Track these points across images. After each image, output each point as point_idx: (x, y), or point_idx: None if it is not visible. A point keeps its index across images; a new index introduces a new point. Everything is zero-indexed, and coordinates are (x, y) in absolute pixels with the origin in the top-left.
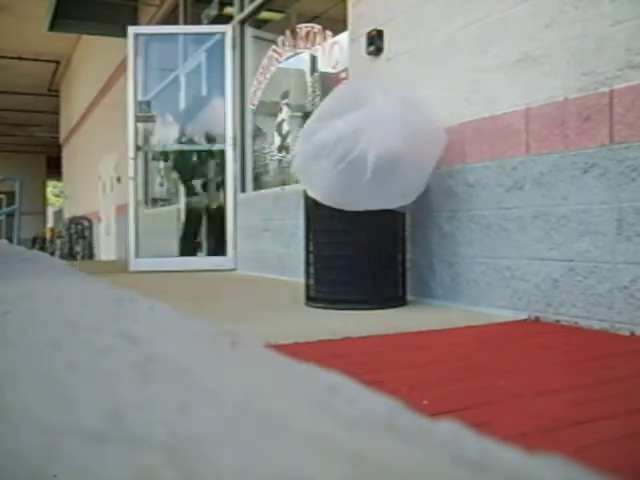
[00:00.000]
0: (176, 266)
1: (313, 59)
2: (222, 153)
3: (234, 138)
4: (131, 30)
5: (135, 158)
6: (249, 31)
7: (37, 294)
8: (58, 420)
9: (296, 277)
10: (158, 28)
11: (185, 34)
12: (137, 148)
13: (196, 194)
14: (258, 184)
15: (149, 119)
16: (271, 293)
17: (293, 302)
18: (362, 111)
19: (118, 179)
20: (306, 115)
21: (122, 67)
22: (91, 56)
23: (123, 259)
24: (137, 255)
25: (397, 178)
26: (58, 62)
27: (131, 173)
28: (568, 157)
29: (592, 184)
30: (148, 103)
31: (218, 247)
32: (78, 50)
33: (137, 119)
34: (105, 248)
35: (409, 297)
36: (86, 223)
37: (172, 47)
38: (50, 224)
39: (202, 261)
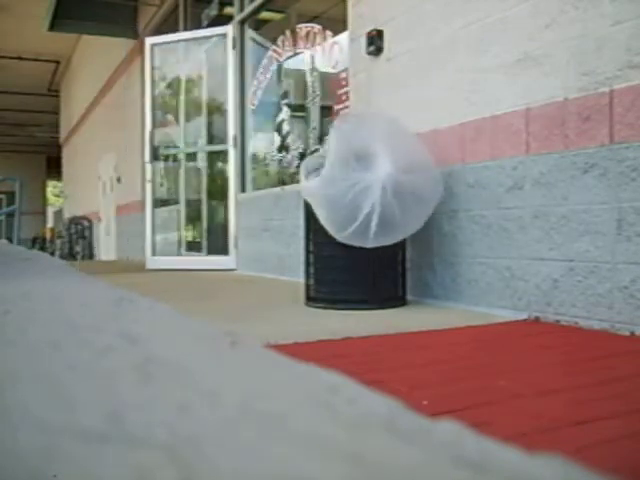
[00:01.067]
0: (185, 265)
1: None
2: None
3: (234, 138)
4: (148, 41)
5: (152, 162)
6: (249, 31)
7: (37, 294)
8: (58, 420)
9: (296, 277)
10: (172, 36)
11: (195, 39)
12: (154, 153)
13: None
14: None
15: (164, 124)
16: (271, 293)
17: (293, 302)
18: (369, 174)
19: (118, 179)
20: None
21: (122, 67)
22: (91, 56)
23: (123, 259)
24: (154, 254)
25: (397, 233)
26: (58, 62)
27: (148, 176)
28: (568, 157)
29: (592, 184)
30: (170, 110)
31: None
32: (78, 50)
33: (154, 125)
34: (105, 248)
35: (409, 297)
36: (86, 223)
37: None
38: (50, 224)
39: (208, 260)
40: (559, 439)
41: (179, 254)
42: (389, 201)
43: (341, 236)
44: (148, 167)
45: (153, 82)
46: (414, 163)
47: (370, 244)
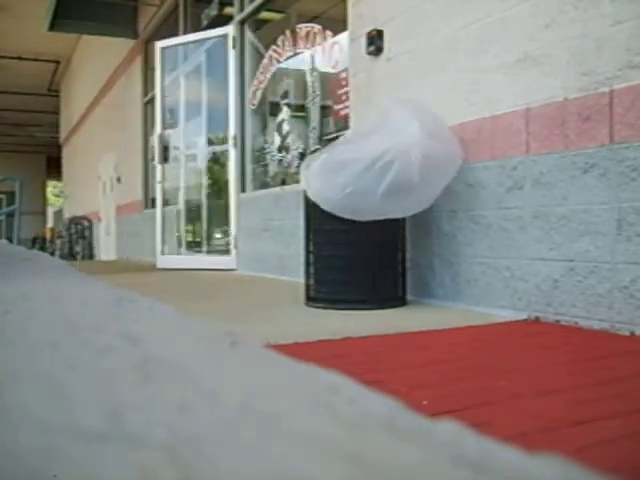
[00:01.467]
0: (190, 264)
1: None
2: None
3: (234, 138)
4: (159, 45)
5: (162, 163)
6: (249, 31)
7: (37, 294)
8: (58, 420)
9: (296, 277)
10: (181, 39)
11: (203, 39)
12: (164, 155)
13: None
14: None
15: (172, 126)
16: (271, 293)
17: (293, 302)
18: (391, 139)
19: (118, 179)
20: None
21: (122, 67)
22: (91, 56)
23: (123, 259)
24: (163, 253)
25: (409, 199)
26: (58, 62)
27: (159, 177)
28: (568, 157)
29: (592, 184)
30: (172, 111)
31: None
32: (78, 50)
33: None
34: (105, 248)
35: (409, 297)
36: (86, 223)
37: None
38: (50, 224)
39: (210, 260)
40: (559, 439)
41: (179, 253)
42: (410, 164)
43: (340, 197)
44: (159, 168)
45: (163, 85)
46: (438, 131)
47: (374, 210)
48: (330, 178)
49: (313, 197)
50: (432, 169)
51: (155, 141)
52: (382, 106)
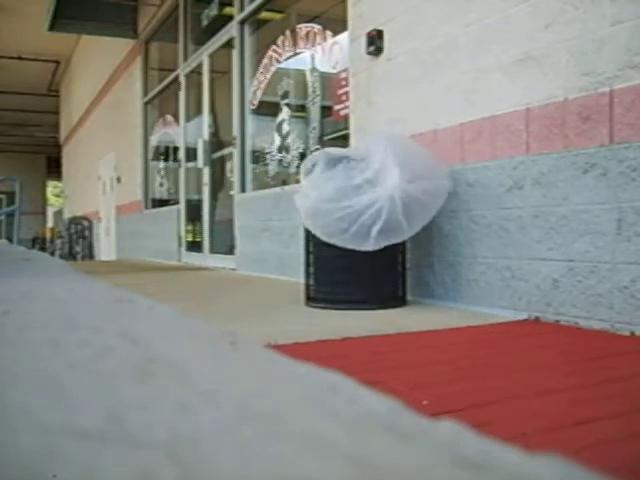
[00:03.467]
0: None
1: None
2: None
3: (234, 138)
4: (206, 53)
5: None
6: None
7: (37, 294)
8: (58, 420)
9: (296, 277)
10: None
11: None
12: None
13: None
14: None
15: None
16: (271, 293)
17: (293, 302)
18: (376, 187)
19: (118, 179)
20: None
21: (122, 67)
22: (91, 56)
23: (123, 259)
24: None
25: (397, 236)
26: (58, 62)
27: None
28: (568, 157)
29: (592, 184)
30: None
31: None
32: (78, 50)
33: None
34: (105, 248)
35: (409, 297)
36: (86, 223)
37: None
38: (50, 224)
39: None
40: (559, 439)
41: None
42: (396, 211)
43: (336, 240)
44: (206, 170)
45: (212, 88)
46: (421, 171)
47: (371, 247)
48: (324, 224)
49: (319, 235)
50: (418, 208)
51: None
52: (367, 144)
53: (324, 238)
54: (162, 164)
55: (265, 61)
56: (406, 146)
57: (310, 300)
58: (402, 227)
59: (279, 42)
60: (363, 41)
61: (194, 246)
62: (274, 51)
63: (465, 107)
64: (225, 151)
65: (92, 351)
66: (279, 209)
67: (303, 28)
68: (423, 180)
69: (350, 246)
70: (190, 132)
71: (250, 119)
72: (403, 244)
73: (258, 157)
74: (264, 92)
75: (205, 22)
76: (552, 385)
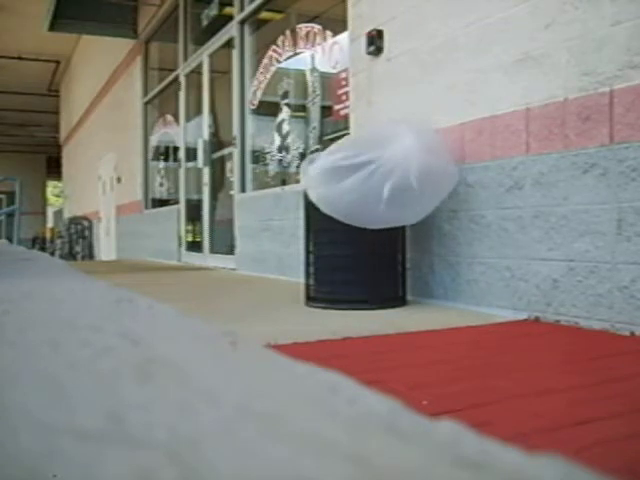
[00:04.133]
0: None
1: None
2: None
3: (234, 138)
4: (206, 53)
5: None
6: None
7: (37, 294)
8: (58, 420)
9: (296, 277)
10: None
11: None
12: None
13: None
14: None
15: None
16: (271, 293)
17: (293, 302)
18: (389, 148)
19: (118, 179)
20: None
21: (122, 67)
22: (91, 56)
23: (123, 259)
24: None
25: (408, 208)
26: (58, 62)
27: (206, 179)
28: (568, 157)
29: (592, 184)
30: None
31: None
32: (78, 50)
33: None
34: (105, 248)
35: (409, 297)
36: (86, 223)
37: None
38: (50, 224)
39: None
40: (559, 439)
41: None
42: (408, 173)
43: (343, 206)
44: (206, 170)
45: (212, 88)
46: (435, 147)
47: (378, 219)
48: (332, 185)
49: (317, 202)
50: (429, 179)
51: (200, 145)
52: (378, 125)
53: (324, 206)
54: (162, 164)
55: (265, 61)
56: (421, 125)
57: (310, 300)
58: (414, 200)
59: (279, 42)
60: (363, 41)
61: (194, 246)
62: (274, 51)
63: (465, 107)
64: (225, 151)
65: (92, 351)
66: (279, 209)
67: (303, 28)
68: (436, 156)
69: (355, 220)
70: (190, 132)
71: (250, 119)
72: (403, 244)
73: (258, 157)
74: (264, 92)
75: (205, 22)
76: (552, 385)
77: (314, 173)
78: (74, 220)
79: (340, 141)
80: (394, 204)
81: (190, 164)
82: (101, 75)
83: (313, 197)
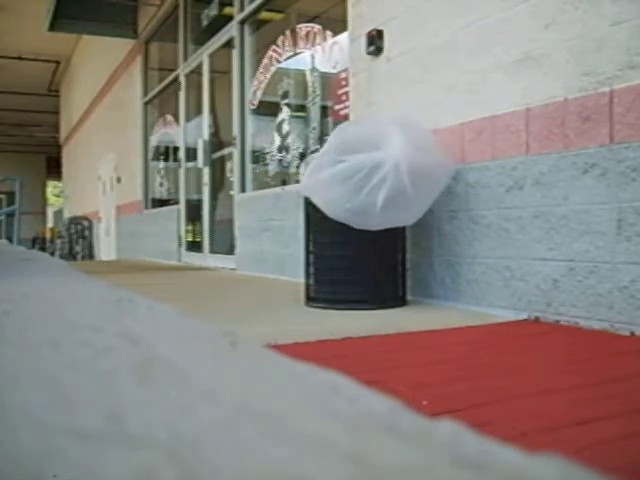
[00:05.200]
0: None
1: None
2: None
3: (234, 138)
4: (206, 54)
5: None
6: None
7: (37, 294)
8: (58, 420)
9: (296, 277)
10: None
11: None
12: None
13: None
14: None
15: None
16: (271, 293)
17: (293, 302)
18: (378, 152)
19: (118, 179)
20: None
21: (122, 67)
22: (91, 56)
23: (123, 259)
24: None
25: (404, 211)
26: (58, 62)
27: (206, 179)
28: (568, 157)
29: (592, 184)
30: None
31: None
32: (78, 50)
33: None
34: (105, 248)
35: (409, 297)
36: (86, 223)
37: None
38: (50, 224)
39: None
40: (559, 439)
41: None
42: (401, 176)
43: (344, 209)
44: (206, 170)
45: (212, 88)
46: (424, 144)
47: (375, 222)
48: (328, 193)
49: (319, 207)
50: (422, 180)
51: (199, 146)
52: (363, 124)
53: (325, 210)
54: (162, 164)
55: (265, 61)
56: (409, 123)
57: (310, 300)
58: (409, 200)
59: (279, 42)
60: (363, 41)
61: (194, 246)
62: (274, 51)
63: (465, 107)
64: (225, 151)
65: (92, 351)
66: (279, 209)
67: (303, 28)
68: (427, 152)
69: (354, 223)
70: (190, 132)
71: (250, 119)
72: (403, 244)
73: (258, 157)
74: (264, 92)
75: (205, 22)
76: (552, 385)
77: (309, 183)
78: (74, 220)
79: (329, 142)
80: (389, 209)
81: (190, 164)
82: (101, 75)
83: (316, 203)
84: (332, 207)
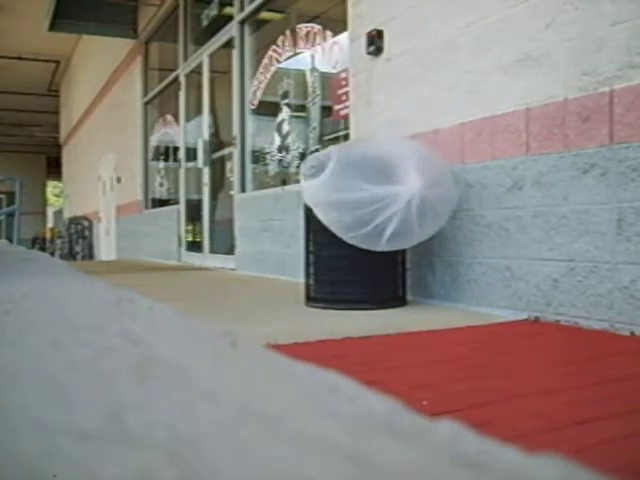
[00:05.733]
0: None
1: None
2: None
3: (234, 138)
4: (206, 54)
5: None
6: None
7: (37, 294)
8: (58, 420)
9: (296, 277)
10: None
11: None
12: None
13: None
14: None
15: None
16: (271, 293)
17: (293, 302)
18: (394, 186)
19: (118, 179)
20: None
21: (122, 67)
22: (91, 56)
23: (123, 259)
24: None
25: (407, 240)
26: (58, 62)
27: (206, 179)
28: (568, 157)
29: (592, 184)
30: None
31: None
32: (78, 50)
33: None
34: (105, 248)
35: (409, 297)
36: (86, 223)
37: None
38: (50, 224)
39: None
40: (559, 439)
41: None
42: (411, 213)
43: (349, 237)
44: (206, 170)
45: (212, 88)
46: (437, 177)
47: (381, 248)
48: (335, 216)
49: (323, 222)
50: (431, 214)
51: (200, 146)
52: (380, 139)
53: (328, 227)
54: (162, 164)
55: (265, 61)
56: (420, 150)
57: (310, 300)
58: (413, 233)
59: (279, 42)
60: (363, 41)
61: (194, 246)
62: (274, 51)
63: (465, 107)
64: (225, 151)
65: (92, 351)
66: (279, 209)
67: (303, 28)
68: (438, 187)
69: (364, 246)
70: (190, 132)
71: (250, 119)
72: None
73: (258, 157)
74: (264, 92)
75: (205, 22)
76: (552, 385)
77: (313, 199)
78: (74, 220)
79: (335, 162)
80: (392, 239)
81: (190, 164)
82: (101, 75)
83: (318, 215)
84: (337, 230)
